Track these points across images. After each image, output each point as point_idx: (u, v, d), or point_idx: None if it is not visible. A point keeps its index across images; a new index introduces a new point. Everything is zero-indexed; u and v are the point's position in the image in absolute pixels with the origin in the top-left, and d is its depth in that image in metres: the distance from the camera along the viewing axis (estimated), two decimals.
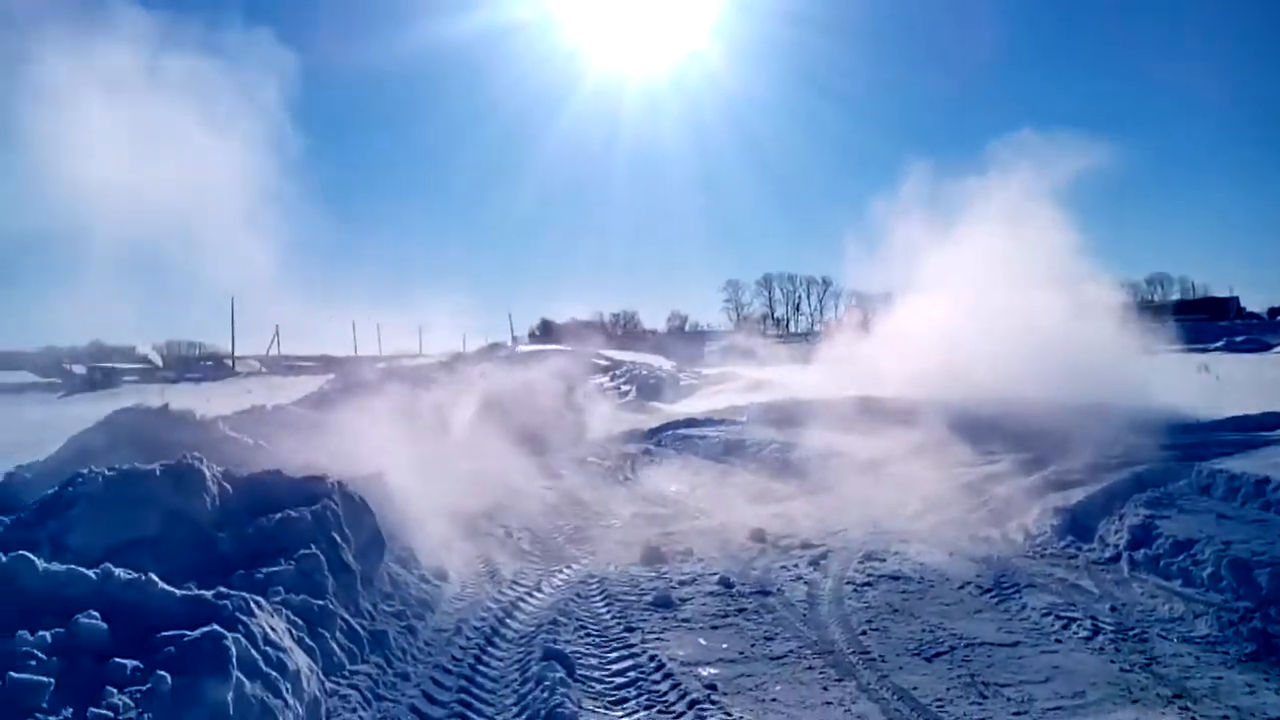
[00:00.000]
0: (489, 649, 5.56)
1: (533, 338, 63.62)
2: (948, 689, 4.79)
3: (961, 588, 6.53)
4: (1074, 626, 5.63)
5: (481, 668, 5.25)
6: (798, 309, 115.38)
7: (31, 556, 4.55)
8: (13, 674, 3.66)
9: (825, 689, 4.85)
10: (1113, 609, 5.92)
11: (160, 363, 74.47)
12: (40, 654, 3.86)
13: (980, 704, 4.60)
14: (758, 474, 11.52)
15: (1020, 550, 7.45)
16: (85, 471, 6.37)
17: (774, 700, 4.74)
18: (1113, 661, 5.09)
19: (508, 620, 6.10)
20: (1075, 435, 11.82)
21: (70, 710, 3.62)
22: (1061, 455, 10.36)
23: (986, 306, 18.04)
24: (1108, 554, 7.14)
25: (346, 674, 4.88)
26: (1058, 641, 5.44)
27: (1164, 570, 6.51)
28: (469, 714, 4.62)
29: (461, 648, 5.57)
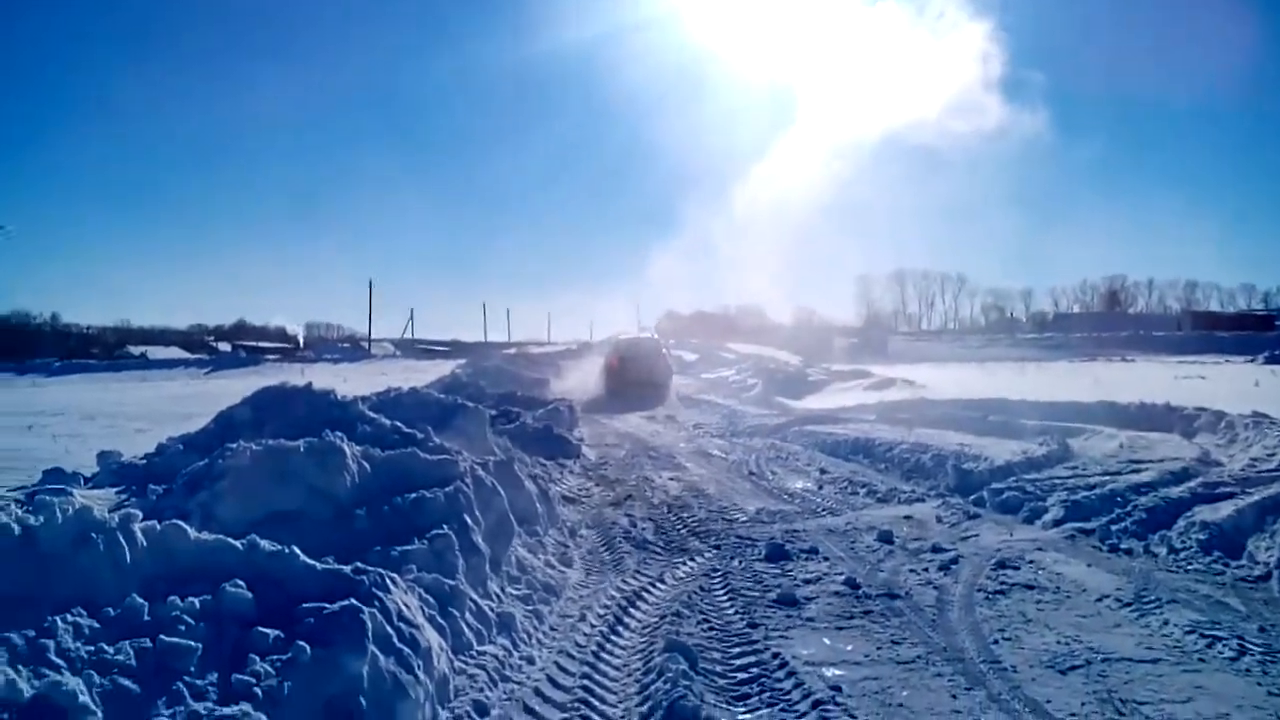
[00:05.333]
0: (612, 637, 5.58)
1: (658, 328, 64.01)
2: (1082, 704, 4.57)
3: (1099, 600, 6.23)
4: (1219, 646, 5.28)
5: (605, 655, 5.27)
6: (931, 305, 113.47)
7: (184, 525, 4.78)
8: (164, 637, 3.84)
9: (954, 697, 4.70)
10: (1261, 629, 5.55)
11: (301, 342, 77.74)
12: (189, 619, 4.04)
13: None
14: (887, 474, 11.29)
15: (1163, 564, 7.09)
16: (234, 446, 6.66)
17: (900, 705, 4.61)
18: (1260, 684, 4.77)
19: (631, 610, 6.12)
20: (1224, 444, 11.29)
21: (215, 675, 3.77)
22: (1208, 466, 9.89)
23: None
24: (1257, 572, 6.71)
25: (474, 654, 4.97)
26: (1201, 660, 5.12)
27: None
28: (592, 700, 4.63)
29: (585, 634, 5.61)
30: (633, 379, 25.17)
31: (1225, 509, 7.92)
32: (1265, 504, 7.93)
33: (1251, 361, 41.29)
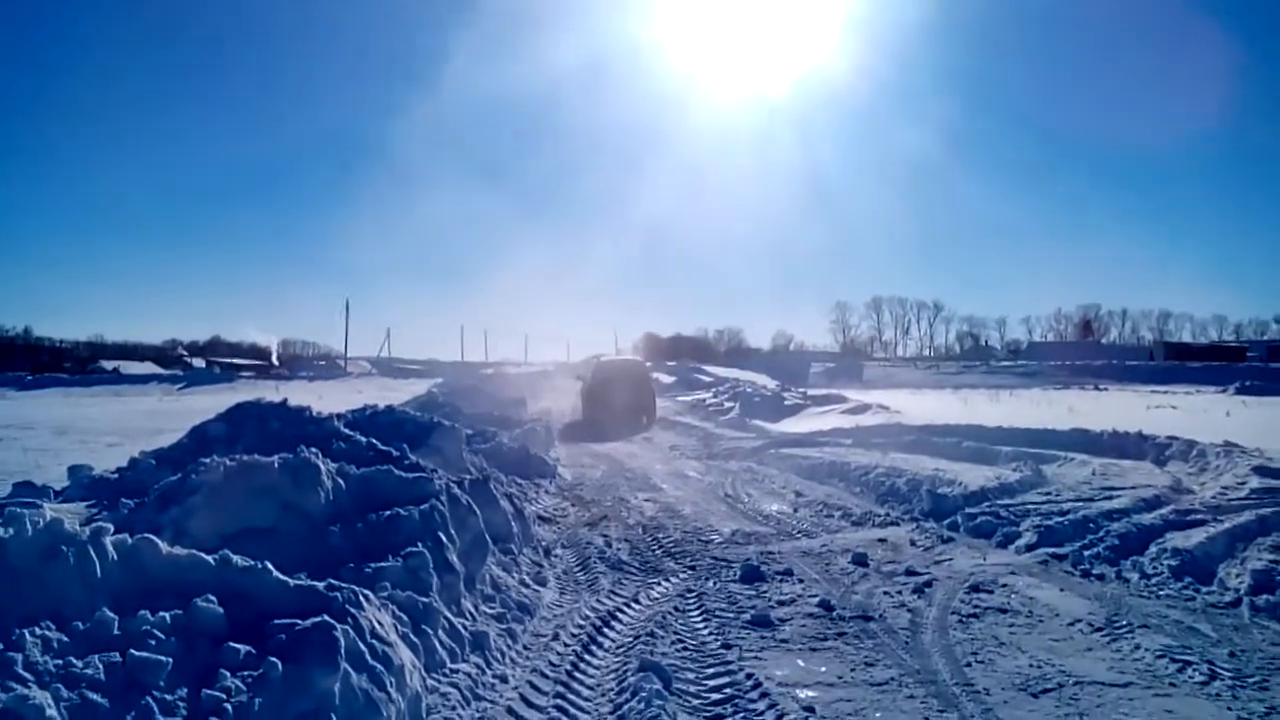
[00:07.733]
0: (586, 656, 5.57)
1: (635, 351, 64.23)
2: None
3: (1072, 624, 6.27)
4: (1189, 670, 5.33)
5: (578, 674, 5.26)
6: (906, 332, 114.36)
7: (156, 539, 4.73)
8: (134, 651, 3.80)
9: (927, 719, 4.72)
10: (1231, 655, 5.60)
11: (276, 359, 77.30)
12: (159, 634, 4.00)
13: None
14: (862, 498, 11.33)
15: (1135, 590, 7.14)
16: (207, 460, 6.61)
17: None
18: (1230, 709, 4.81)
19: (605, 629, 6.11)
20: (1195, 472, 11.42)
21: (185, 690, 3.73)
22: (1180, 494, 10.00)
23: None
24: (1227, 598, 6.78)
25: (447, 672, 4.94)
26: (1172, 685, 5.16)
27: None
28: (565, 719, 4.63)
29: (559, 654, 5.60)
30: (615, 406, 23.46)
31: (1196, 536, 8.01)
32: (1236, 531, 8.05)
33: (1223, 392, 41.70)
